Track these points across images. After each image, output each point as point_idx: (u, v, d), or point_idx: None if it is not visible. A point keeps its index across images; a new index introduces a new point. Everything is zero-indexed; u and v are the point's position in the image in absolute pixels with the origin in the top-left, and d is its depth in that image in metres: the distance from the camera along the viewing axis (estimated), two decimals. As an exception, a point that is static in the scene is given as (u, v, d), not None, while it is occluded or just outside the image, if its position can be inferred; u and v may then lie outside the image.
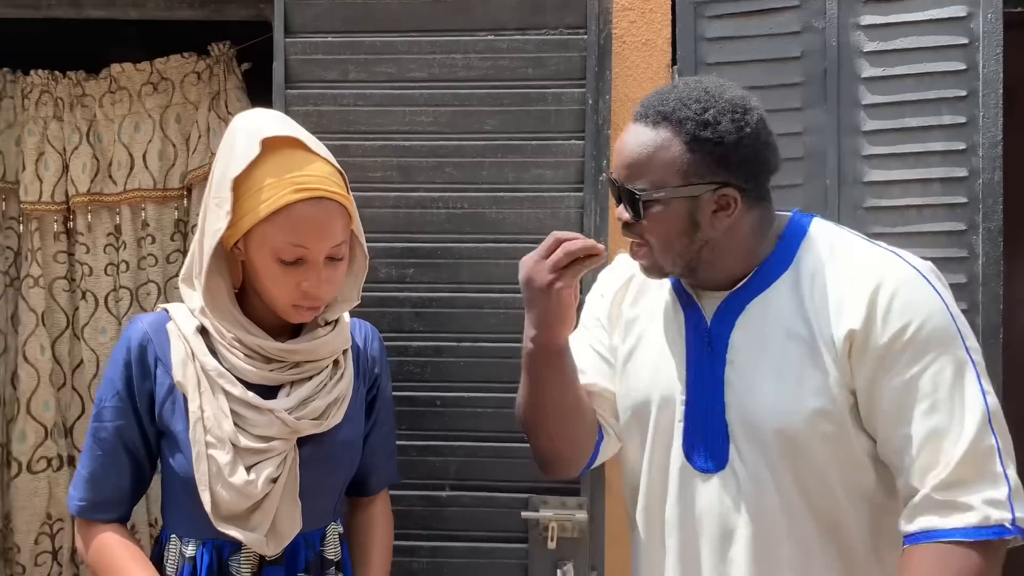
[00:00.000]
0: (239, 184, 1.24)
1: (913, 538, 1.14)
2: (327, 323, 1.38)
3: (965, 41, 1.80)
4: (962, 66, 1.81)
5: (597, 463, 1.40)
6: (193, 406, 1.27)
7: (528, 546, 1.83)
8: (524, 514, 1.82)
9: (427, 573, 1.85)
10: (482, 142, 1.83)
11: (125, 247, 2.23)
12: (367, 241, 1.83)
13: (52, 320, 2.25)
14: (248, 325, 1.32)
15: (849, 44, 1.86)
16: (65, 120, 2.23)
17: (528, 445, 1.81)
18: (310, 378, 1.34)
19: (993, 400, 1.14)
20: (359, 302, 1.42)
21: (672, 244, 1.21)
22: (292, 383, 1.33)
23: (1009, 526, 1.09)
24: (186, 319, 1.33)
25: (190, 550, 1.32)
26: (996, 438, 1.12)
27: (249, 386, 1.30)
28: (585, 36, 1.81)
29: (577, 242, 1.22)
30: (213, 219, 1.27)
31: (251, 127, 1.27)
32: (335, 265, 1.30)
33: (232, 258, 1.32)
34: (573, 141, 1.82)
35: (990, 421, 1.12)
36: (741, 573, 1.22)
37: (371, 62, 1.85)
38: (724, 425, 1.23)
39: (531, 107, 1.83)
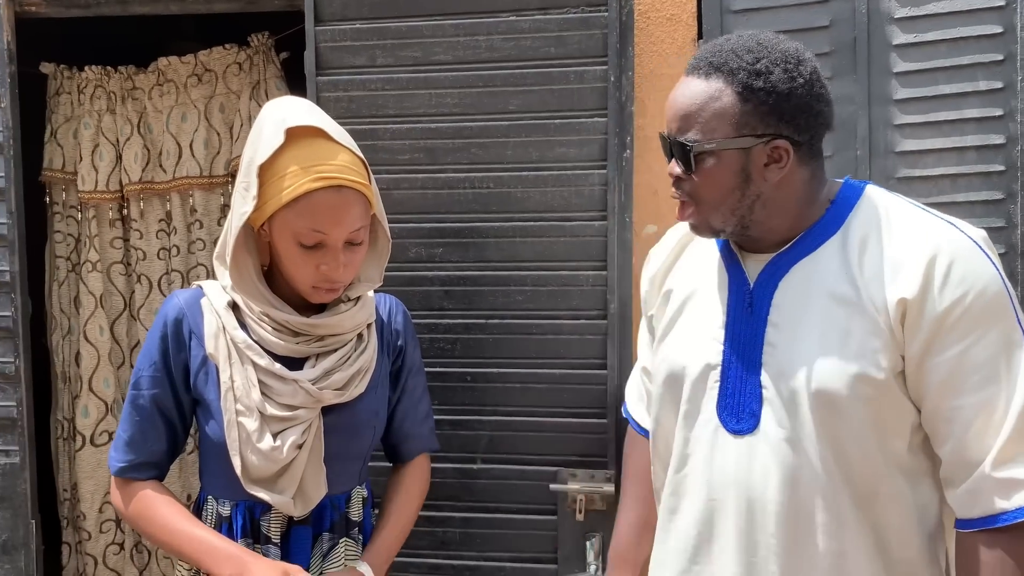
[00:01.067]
0: (264, 170, 1.31)
1: (977, 523, 1.13)
2: (349, 299, 1.44)
3: (1001, 3, 1.74)
4: (999, 29, 1.74)
5: None
6: (224, 376, 1.36)
7: (556, 518, 1.87)
8: (553, 486, 1.86)
9: (459, 543, 1.91)
10: (506, 122, 1.86)
11: (176, 232, 2.35)
12: (396, 222, 1.91)
13: (110, 303, 2.38)
14: (275, 301, 1.39)
15: (879, 10, 1.81)
16: (118, 112, 2.35)
17: (559, 420, 1.88)
18: (335, 351, 1.40)
19: None
20: (381, 283, 1.48)
21: (724, 198, 1.20)
22: (318, 355, 1.40)
23: None
24: (218, 295, 1.41)
25: (226, 510, 1.41)
26: None
27: (277, 358, 1.37)
28: (606, 13, 1.82)
29: None
30: (240, 202, 1.34)
31: (277, 116, 1.33)
32: (354, 249, 1.35)
33: (260, 238, 1.39)
34: (596, 119, 1.84)
35: None
36: (770, 538, 1.21)
37: (397, 47, 1.89)
38: (759, 386, 1.22)
39: (554, 86, 1.84)
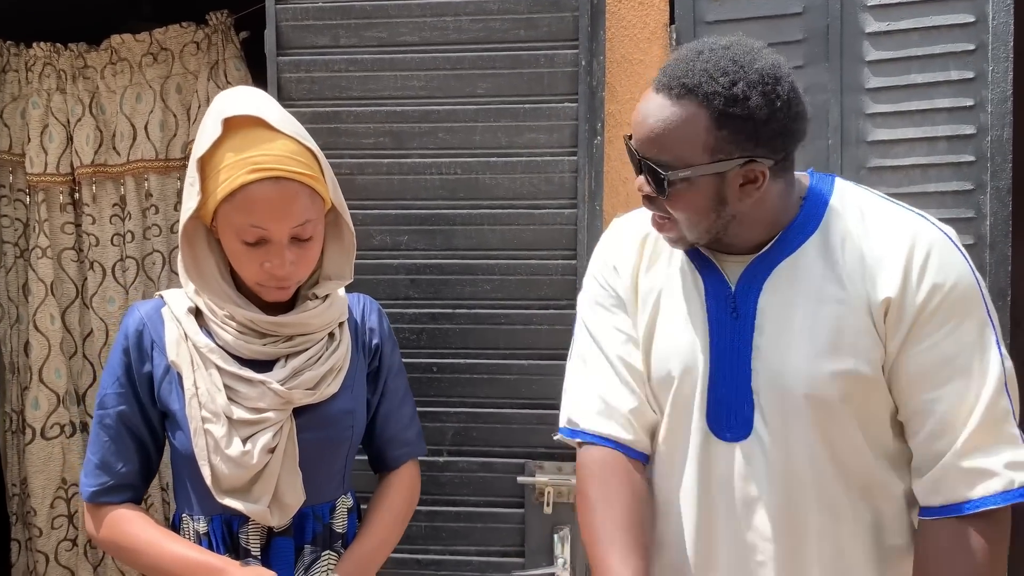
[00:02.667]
0: (205, 164, 1.25)
1: (940, 511, 1.13)
2: (317, 297, 1.38)
3: (974, -8, 1.73)
4: (970, 18, 1.74)
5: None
6: (188, 383, 1.30)
7: (524, 511, 1.84)
8: (520, 479, 1.82)
9: (425, 537, 1.87)
10: (474, 106, 1.81)
11: (130, 218, 2.26)
12: (360, 208, 1.86)
13: (61, 290, 2.29)
14: (239, 300, 1.33)
15: (852, -2, 1.80)
16: (68, 92, 2.25)
17: (526, 411, 1.83)
18: (305, 350, 1.35)
19: (1008, 363, 1.13)
20: (351, 279, 1.41)
21: (699, 219, 1.16)
22: (287, 356, 1.34)
23: None
24: (180, 301, 1.35)
25: (202, 527, 1.34)
26: (1010, 400, 1.12)
27: (245, 362, 1.31)
28: (578, -5, 1.77)
29: None
30: (186, 198, 1.29)
31: (218, 106, 1.27)
32: (303, 245, 1.28)
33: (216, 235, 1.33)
34: (566, 104, 1.79)
35: (1005, 384, 1.12)
36: (767, 544, 1.20)
37: (361, 27, 1.83)
38: (750, 392, 1.19)
39: (523, 69, 1.80)
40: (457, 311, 1.85)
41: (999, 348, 1.13)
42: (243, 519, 1.33)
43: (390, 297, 1.87)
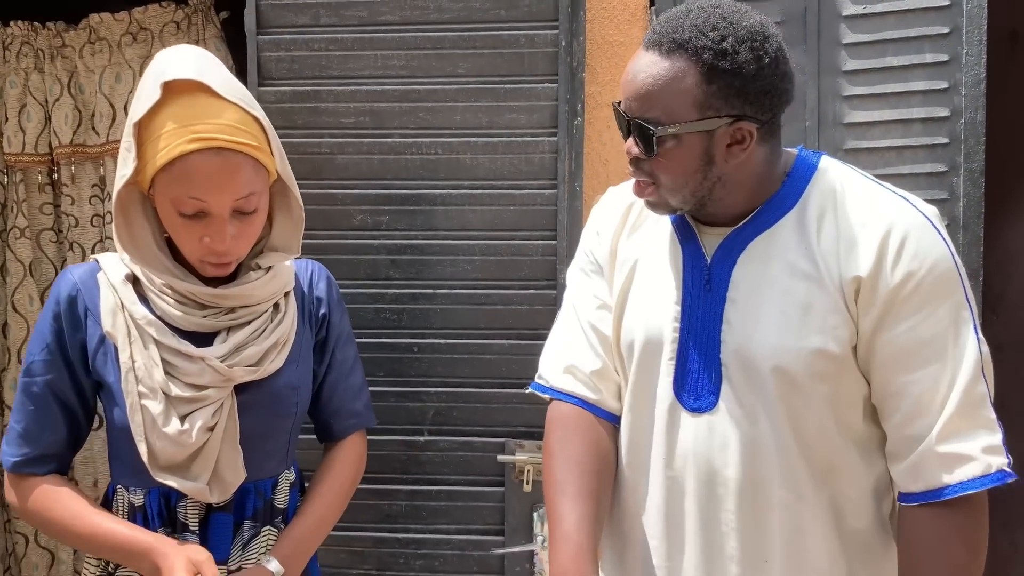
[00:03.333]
0: (142, 129, 1.19)
1: (920, 497, 1.13)
2: (260, 268, 1.33)
3: (949, -25, 1.75)
4: (945, 2, 1.76)
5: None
6: (124, 356, 1.25)
7: (504, 489, 1.86)
8: (500, 458, 1.84)
9: (405, 516, 1.89)
10: (455, 86, 1.82)
11: (110, 198, 2.25)
12: (340, 188, 1.86)
13: (40, 271, 2.28)
14: (177, 270, 1.28)
15: (830, -19, 1.81)
16: (46, 71, 2.23)
17: (507, 391, 1.84)
18: (247, 323, 1.30)
19: (985, 348, 1.13)
20: (299, 254, 1.38)
21: (685, 181, 1.16)
22: (229, 329, 1.29)
23: (1008, 469, 1.10)
24: (116, 268, 1.29)
25: (138, 498, 1.31)
26: (987, 385, 1.12)
27: (184, 334, 1.27)
28: (558, -24, 1.78)
29: None
30: (121, 164, 1.23)
31: (158, 69, 1.20)
32: (245, 219, 1.23)
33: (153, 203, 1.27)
34: (546, 84, 1.80)
35: (982, 369, 1.12)
36: (730, 514, 1.21)
37: (342, 6, 1.83)
38: (718, 364, 1.20)
39: (504, 49, 1.80)
40: (438, 291, 1.86)
41: (976, 333, 1.12)
42: (181, 493, 1.29)
43: (371, 277, 1.87)
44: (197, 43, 2.19)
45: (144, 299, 1.28)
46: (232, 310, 1.30)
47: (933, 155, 1.79)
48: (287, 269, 1.37)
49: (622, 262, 1.31)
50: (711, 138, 1.13)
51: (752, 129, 1.13)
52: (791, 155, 1.25)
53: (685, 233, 1.26)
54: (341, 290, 1.82)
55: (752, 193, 1.20)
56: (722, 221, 1.23)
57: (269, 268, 1.33)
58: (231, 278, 1.32)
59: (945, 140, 1.78)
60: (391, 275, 1.87)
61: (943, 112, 1.77)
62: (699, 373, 1.22)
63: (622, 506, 1.34)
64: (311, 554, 1.40)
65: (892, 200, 1.17)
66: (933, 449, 1.11)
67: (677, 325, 1.23)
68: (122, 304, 1.27)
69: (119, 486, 1.33)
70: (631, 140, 1.18)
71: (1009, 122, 2.30)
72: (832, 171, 1.22)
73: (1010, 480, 1.10)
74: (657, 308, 1.26)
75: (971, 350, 1.12)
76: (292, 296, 1.38)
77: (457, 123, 1.82)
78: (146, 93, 1.19)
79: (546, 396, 1.34)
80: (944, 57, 1.76)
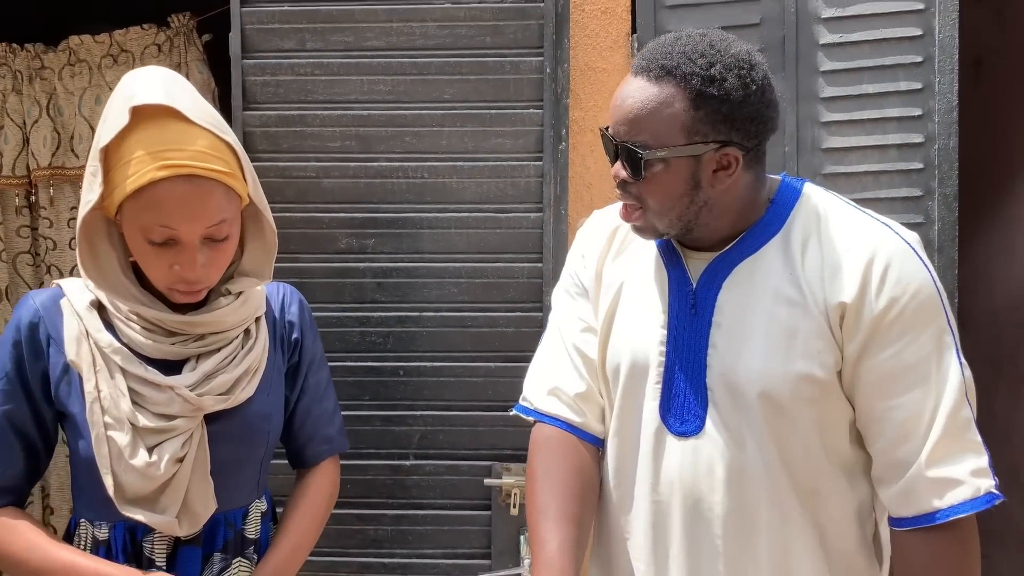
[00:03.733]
0: (110, 154, 1.16)
1: (912, 521, 1.14)
2: (231, 293, 1.30)
3: (921, 6, 1.81)
4: (918, 31, 1.81)
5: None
6: (89, 386, 1.21)
7: (491, 513, 1.85)
8: (487, 481, 1.84)
9: (391, 541, 1.87)
10: (441, 111, 1.83)
11: (87, 221, 2.22)
12: (326, 212, 1.86)
13: (17, 295, 2.25)
14: (144, 297, 1.24)
15: (807, 10, 1.86)
16: (24, 93, 2.21)
17: (493, 413, 1.84)
18: (218, 350, 1.27)
19: (968, 372, 1.15)
20: (270, 279, 1.36)
21: (672, 205, 1.17)
22: (198, 356, 1.26)
23: (995, 491, 1.12)
24: (80, 294, 1.26)
25: (103, 532, 1.26)
26: (971, 408, 1.14)
27: (152, 362, 1.23)
28: (542, 4, 1.81)
29: None
30: (87, 189, 1.18)
31: (127, 91, 1.17)
32: (216, 247, 1.21)
33: (119, 228, 1.24)
34: (532, 110, 1.82)
35: (966, 393, 1.14)
36: (716, 539, 1.21)
37: (328, 31, 1.84)
38: (704, 388, 1.21)
39: (490, 75, 1.82)
40: (424, 314, 1.86)
41: (959, 357, 1.14)
42: (148, 526, 1.24)
43: (356, 300, 1.87)
44: (179, 66, 2.18)
45: (110, 326, 1.25)
46: (201, 337, 1.27)
47: (909, 180, 1.84)
48: (258, 294, 1.35)
49: (607, 285, 1.32)
50: (698, 163, 1.15)
51: (738, 155, 1.15)
52: (775, 181, 1.27)
53: (670, 257, 1.28)
54: (326, 314, 1.85)
55: (737, 218, 1.22)
56: (707, 245, 1.24)
57: (240, 293, 1.31)
58: (200, 304, 1.29)
59: (920, 165, 1.83)
60: (377, 298, 1.87)
61: (918, 138, 1.82)
62: (685, 397, 1.22)
63: (608, 530, 1.34)
64: None
65: (875, 227, 1.19)
66: (923, 474, 1.12)
67: (663, 349, 1.24)
68: (87, 332, 1.23)
69: (82, 520, 1.29)
70: (618, 164, 1.19)
71: (973, 146, 2.37)
72: (815, 197, 1.24)
73: (997, 502, 1.12)
74: (643, 331, 1.27)
75: (954, 374, 1.13)
76: (263, 321, 1.35)
77: (443, 147, 1.84)
78: (113, 117, 1.16)
79: (530, 418, 1.34)
80: (918, 85, 1.82)
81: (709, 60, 1.13)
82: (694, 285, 1.24)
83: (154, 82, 1.18)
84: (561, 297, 1.39)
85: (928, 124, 1.82)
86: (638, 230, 1.24)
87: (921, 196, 1.82)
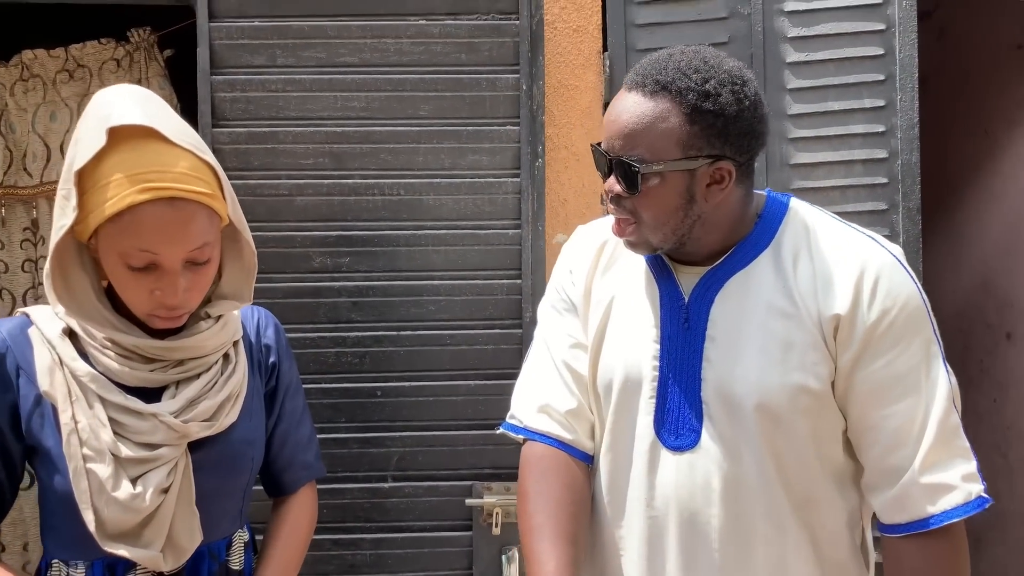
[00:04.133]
0: (85, 177, 1.11)
1: (905, 528, 1.16)
2: (210, 317, 1.26)
3: (882, 27, 1.87)
4: (880, 51, 1.88)
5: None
6: (65, 417, 1.16)
7: (473, 533, 1.83)
8: (468, 501, 1.81)
9: (371, 566, 1.83)
10: (417, 128, 1.82)
11: (43, 242, 2.14)
12: (300, 230, 1.83)
13: (-36, 321, 2.14)
14: (120, 323, 1.20)
15: (774, 29, 1.91)
16: (-27, 110, 2.12)
17: (473, 432, 1.82)
18: (198, 376, 1.23)
19: (954, 379, 1.18)
20: (250, 302, 1.33)
21: (667, 218, 1.17)
22: (178, 383, 1.22)
23: (985, 495, 1.15)
24: (49, 322, 1.21)
25: (79, 572, 1.20)
26: (957, 414, 1.17)
27: (129, 390, 1.19)
28: (517, 22, 1.81)
29: None
30: (59, 213, 1.14)
31: (102, 111, 1.13)
32: (198, 270, 1.17)
33: (92, 252, 1.19)
34: (508, 127, 1.82)
35: (953, 399, 1.17)
36: (713, 552, 1.21)
37: (299, 47, 1.81)
38: (699, 402, 1.21)
39: (465, 92, 1.82)
40: (402, 333, 1.84)
41: (945, 365, 1.17)
42: (128, 563, 1.19)
43: (331, 320, 1.84)
44: (139, 82, 2.12)
45: (83, 355, 1.20)
46: (181, 363, 1.23)
47: (874, 194, 1.89)
48: (235, 318, 1.32)
49: (597, 301, 1.32)
50: (692, 177, 1.16)
51: (731, 169, 1.16)
52: (761, 196, 1.29)
53: (661, 272, 1.28)
54: (301, 335, 1.81)
55: (728, 232, 1.23)
56: (697, 260, 1.25)
57: (219, 317, 1.27)
58: (178, 329, 1.25)
59: (884, 180, 1.88)
60: (353, 318, 1.84)
61: (882, 154, 1.88)
62: (680, 411, 1.22)
63: (602, 546, 1.33)
64: None
65: (862, 240, 1.22)
66: (917, 480, 1.14)
67: (657, 363, 1.24)
68: (60, 361, 1.18)
69: (55, 560, 1.22)
70: (612, 179, 1.19)
71: (926, 159, 2.46)
72: (802, 212, 1.26)
73: (987, 505, 1.15)
74: (636, 346, 1.26)
75: (942, 382, 1.16)
76: (241, 345, 1.32)
77: (419, 164, 1.82)
78: (88, 138, 1.12)
79: (519, 437, 1.33)
80: (881, 102, 1.88)
81: (704, 76, 1.14)
82: (686, 299, 1.25)
83: (130, 101, 1.14)
84: (548, 313, 1.38)
85: (891, 140, 1.88)
86: (631, 245, 1.24)
87: (886, 210, 1.88)
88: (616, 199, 1.20)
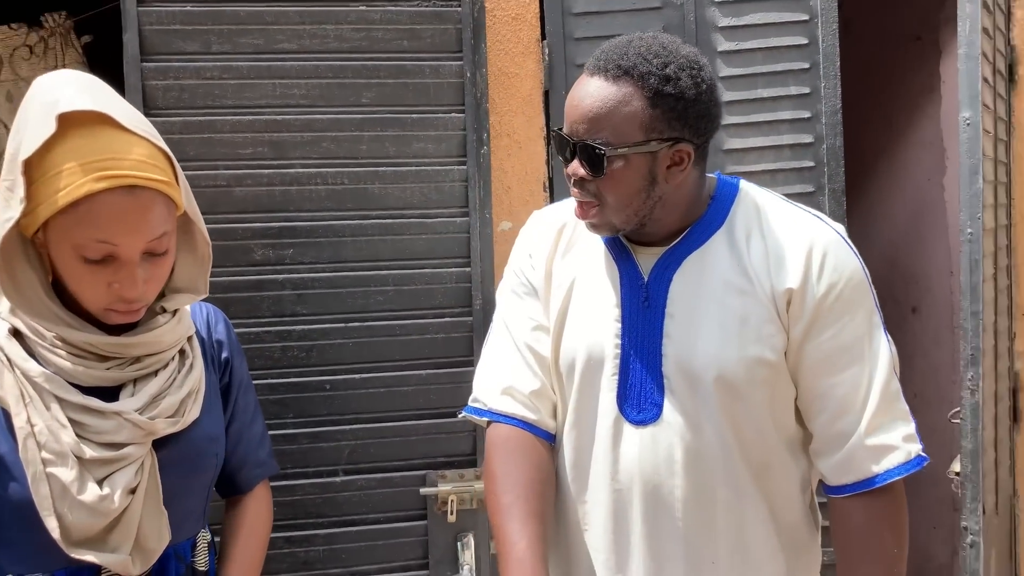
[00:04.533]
0: (33, 167, 1.06)
1: (851, 488, 1.24)
2: (166, 311, 1.23)
3: (806, 17, 1.96)
4: (804, 40, 1.97)
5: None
6: (19, 421, 1.11)
7: (428, 522, 1.83)
8: (423, 490, 1.81)
9: (324, 560, 1.80)
10: (360, 115, 1.79)
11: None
12: (240, 222, 1.78)
13: None
14: (72, 320, 1.15)
15: (705, 20, 1.97)
16: None
17: (425, 421, 1.82)
18: (155, 373, 1.20)
19: (894, 347, 1.27)
20: (206, 294, 1.29)
21: (630, 200, 1.21)
22: (135, 381, 1.19)
23: (923, 454, 1.24)
24: None
25: None
26: (897, 379, 1.26)
27: (84, 390, 1.15)
28: (459, 8, 1.81)
29: None
30: (4, 206, 1.08)
31: (47, 97, 1.08)
32: (156, 261, 1.14)
33: (38, 247, 1.14)
34: (454, 114, 1.82)
35: (894, 366, 1.25)
36: (676, 520, 1.27)
37: (235, 32, 1.75)
38: (661, 377, 1.26)
39: (409, 79, 1.80)
40: (349, 325, 1.81)
41: (886, 334, 1.26)
42: (92, 570, 1.15)
43: (275, 315, 1.79)
44: (55, 68, 2.01)
45: (32, 355, 1.14)
46: (137, 360, 1.19)
47: (801, 177, 1.99)
48: (187, 313, 1.29)
49: (558, 284, 1.35)
50: (654, 159, 1.20)
51: (690, 151, 1.22)
52: (712, 179, 1.35)
53: (620, 253, 1.32)
54: (244, 329, 1.76)
55: (685, 213, 1.28)
56: (655, 240, 1.30)
57: (175, 311, 1.24)
58: (133, 325, 1.21)
59: (811, 164, 1.98)
60: (298, 311, 1.80)
61: (808, 139, 1.98)
62: (642, 386, 1.27)
63: (565, 523, 1.37)
64: None
65: (809, 219, 1.29)
66: (862, 443, 1.23)
67: (618, 341, 1.29)
68: (9, 362, 1.13)
69: (10, 574, 1.16)
70: (576, 163, 1.22)
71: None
72: (752, 193, 1.33)
73: (925, 464, 1.25)
74: (597, 326, 1.31)
75: (884, 351, 1.25)
76: (196, 341, 1.29)
77: (363, 152, 1.80)
78: (35, 126, 1.06)
79: (483, 420, 1.35)
80: (806, 90, 1.97)
81: (664, 60, 1.18)
82: (645, 278, 1.29)
83: (78, 87, 1.09)
84: (508, 297, 1.40)
85: (816, 125, 1.98)
86: (594, 227, 1.28)
87: (813, 192, 1.98)
88: (580, 182, 1.23)
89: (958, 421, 1.85)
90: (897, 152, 2.96)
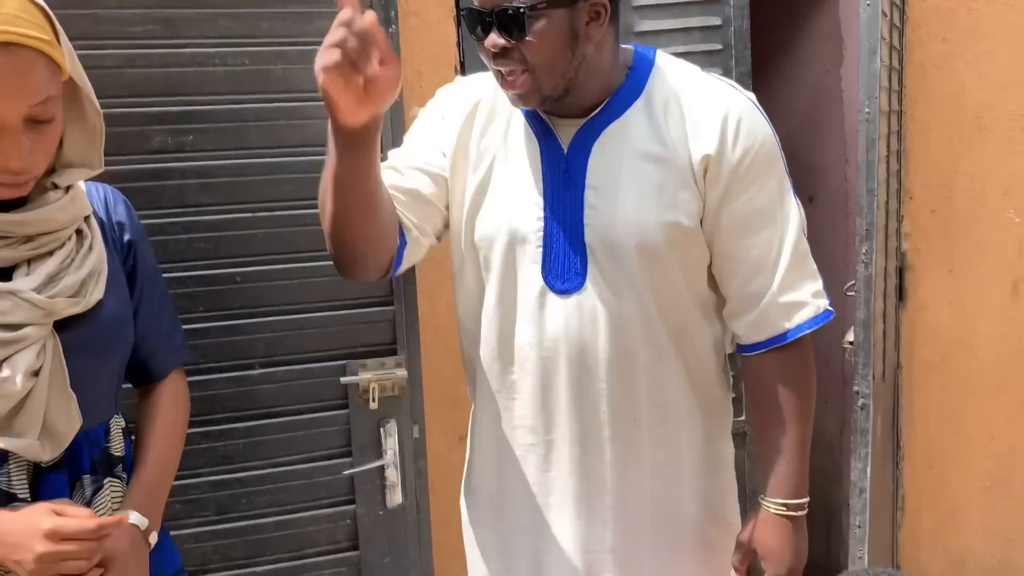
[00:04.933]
0: None
1: (764, 344, 1.32)
2: (58, 188, 1.17)
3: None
4: (717, 21, 1.96)
5: (401, 269, 1.35)
6: None
7: (349, 411, 1.83)
8: (343, 380, 1.80)
9: (243, 454, 1.79)
10: (258, -9, 1.68)
11: None
12: (133, 107, 1.67)
13: None
14: None
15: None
16: None
17: (343, 312, 1.80)
18: (51, 253, 1.15)
19: (802, 211, 1.34)
20: (102, 169, 1.22)
21: (557, 60, 1.22)
22: (29, 261, 1.14)
23: (830, 308, 1.33)
24: None
25: None
26: (806, 240, 1.33)
27: None
28: None
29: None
30: None
31: None
32: (41, 129, 1.07)
33: None
34: (358, -10, 1.73)
35: (803, 228, 1.32)
36: (601, 383, 1.33)
37: None
38: (583, 247, 1.30)
39: (309, -49, 1.70)
40: (258, 215, 1.75)
41: (795, 198, 1.33)
42: (1, 457, 1.12)
43: (179, 205, 1.71)
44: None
45: None
46: (30, 239, 1.13)
47: (710, 60, 2.01)
48: (82, 192, 1.22)
49: (477, 159, 1.35)
50: (573, 13, 1.21)
51: (606, 3, 1.23)
52: (629, 51, 1.36)
53: (539, 127, 1.33)
54: (146, 221, 1.66)
55: (605, 82, 1.30)
56: (575, 113, 1.31)
57: (68, 188, 1.17)
58: (22, 201, 1.14)
59: (719, 46, 2.01)
60: (202, 200, 1.72)
61: (716, 21, 1.99)
62: (566, 257, 1.31)
63: (493, 395, 1.42)
64: (164, 500, 1.31)
65: (723, 87, 1.33)
66: (775, 301, 1.31)
67: (541, 214, 1.31)
68: None
69: None
70: (494, 35, 1.21)
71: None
72: (668, 63, 1.35)
73: (831, 318, 1.33)
74: (519, 201, 1.32)
75: (794, 213, 1.32)
76: (94, 221, 1.23)
77: (264, 31, 1.70)
78: None
79: None
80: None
81: None
82: (565, 151, 1.30)
83: None
84: (418, 125, 1.41)
85: (725, 8, 1.99)
86: (521, 97, 1.27)
87: (721, 75, 2.00)
88: (503, 52, 1.22)
89: (852, 294, 1.97)
90: (797, 43, 3.03)
